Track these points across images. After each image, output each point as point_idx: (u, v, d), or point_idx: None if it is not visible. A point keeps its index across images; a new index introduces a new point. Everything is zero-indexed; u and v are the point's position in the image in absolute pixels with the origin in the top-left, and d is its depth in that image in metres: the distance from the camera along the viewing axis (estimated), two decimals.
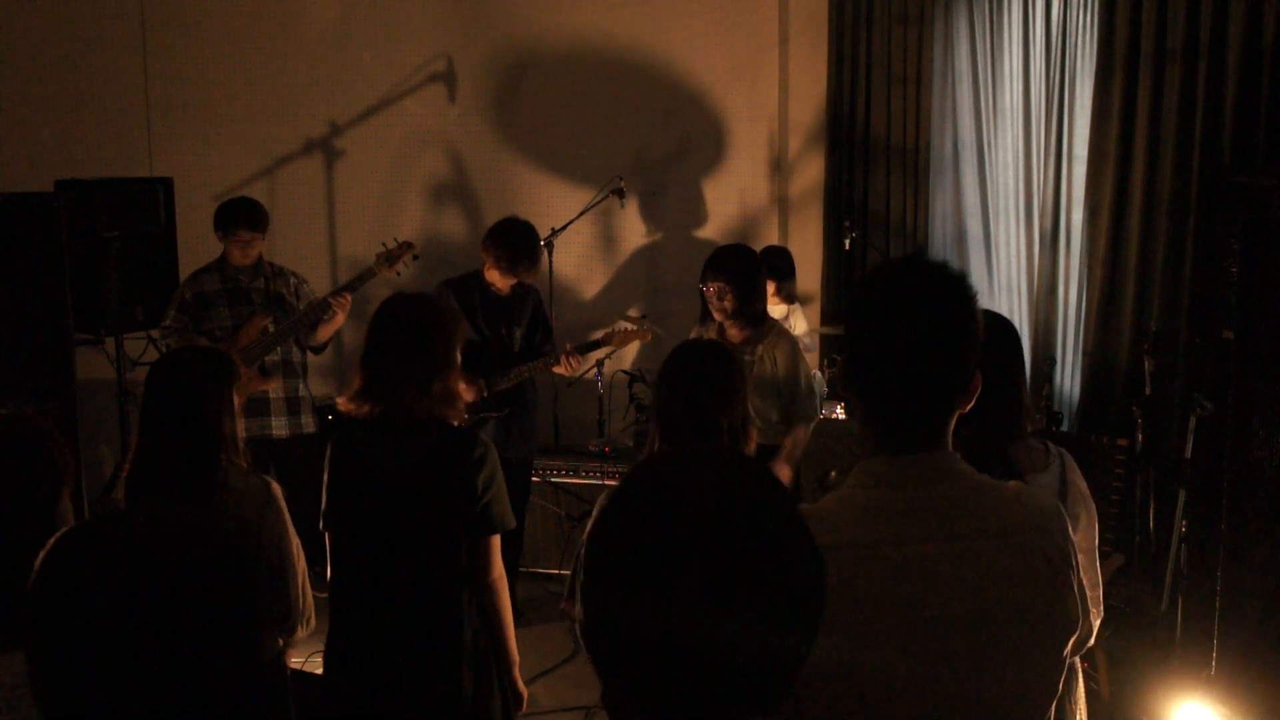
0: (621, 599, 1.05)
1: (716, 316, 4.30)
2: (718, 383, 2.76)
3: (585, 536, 2.76)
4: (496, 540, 2.90)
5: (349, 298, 4.89)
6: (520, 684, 3.00)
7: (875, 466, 1.58)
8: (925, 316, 1.55)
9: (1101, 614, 2.36)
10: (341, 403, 2.93)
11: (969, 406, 1.60)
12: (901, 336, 1.55)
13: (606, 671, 1.08)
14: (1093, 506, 2.30)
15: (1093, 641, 2.37)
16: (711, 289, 4.25)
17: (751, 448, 2.87)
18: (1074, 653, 1.81)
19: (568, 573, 5.51)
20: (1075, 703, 2.34)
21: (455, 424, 2.95)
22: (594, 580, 1.09)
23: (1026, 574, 1.53)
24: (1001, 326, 2.31)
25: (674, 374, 2.78)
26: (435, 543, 2.83)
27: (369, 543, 2.89)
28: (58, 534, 1.19)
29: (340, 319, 4.92)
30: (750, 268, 4.30)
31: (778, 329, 4.36)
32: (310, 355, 5.20)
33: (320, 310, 4.90)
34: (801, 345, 5.45)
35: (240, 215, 4.93)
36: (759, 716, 1.07)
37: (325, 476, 2.97)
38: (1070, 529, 1.62)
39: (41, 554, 1.17)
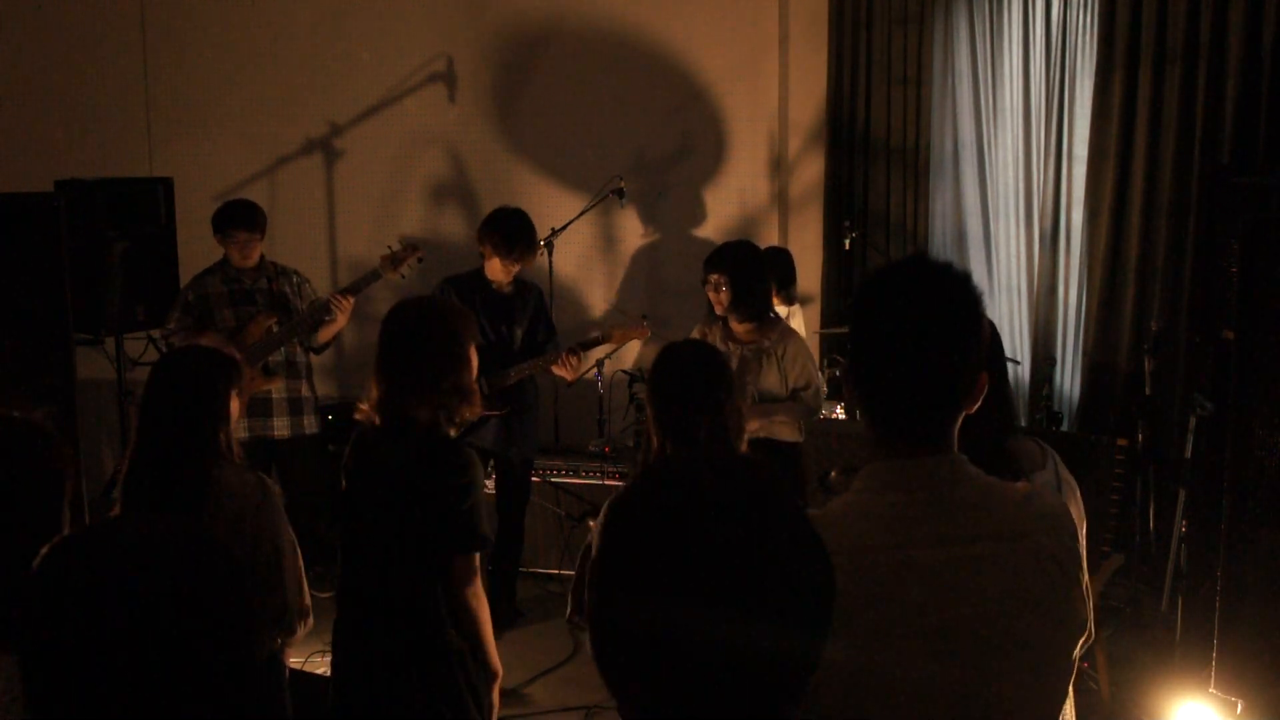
0: (632, 603, 1.05)
1: (717, 310, 4.33)
2: (713, 382, 2.76)
3: (593, 541, 2.75)
4: (473, 559, 2.85)
5: (350, 301, 4.88)
6: (496, 698, 2.96)
7: (882, 470, 1.57)
8: (931, 318, 1.54)
9: (1093, 635, 2.36)
10: (362, 412, 2.94)
11: (974, 408, 1.59)
12: (907, 338, 1.53)
13: (616, 677, 1.07)
14: (1081, 503, 2.32)
15: (1091, 639, 2.37)
16: (710, 281, 4.28)
17: (744, 446, 2.87)
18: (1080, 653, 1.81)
19: (568, 573, 5.52)
20: (1066, 707, 2.34)
21: (453, 429, 2.95)
22: (604, 585, 1.08)
23: (1037, 577, 1.52)
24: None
25: (667, 378, 2.78)
26: (415, 548, 2.82)
27: (364, 544, 2.91)
28: (50, 544, 1.19)
29: (341, 321, 4.92)
30: (748, 261, 4.32)
31: (784, 327, 4.38)
32: (313, 355, 5.20)
33: (321, 311, 4.90)
34: None
35: (235, 216, 4.93)
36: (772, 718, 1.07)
37: (343, 478, 3.00)
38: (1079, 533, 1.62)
39: (35, 563, 1.17)
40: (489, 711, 2.95)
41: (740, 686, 1.04)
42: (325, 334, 5.00)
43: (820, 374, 5.70)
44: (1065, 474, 2.32)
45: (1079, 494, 2.32)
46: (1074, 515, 2.24)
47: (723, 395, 2.75)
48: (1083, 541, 2.30)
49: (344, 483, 3.00)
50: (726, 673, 1.03)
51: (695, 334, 4.46)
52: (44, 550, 1.18)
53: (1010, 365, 5.46)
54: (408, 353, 2.87)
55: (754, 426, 4.13)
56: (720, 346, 4.24)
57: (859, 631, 1.45)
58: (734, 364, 4.20)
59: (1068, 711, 2.29)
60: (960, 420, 1.59)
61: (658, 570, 1.04)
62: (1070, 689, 2.34)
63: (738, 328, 4.33)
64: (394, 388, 2.85)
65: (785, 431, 4.31)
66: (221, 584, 1.18)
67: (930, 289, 1.56)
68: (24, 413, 1.97)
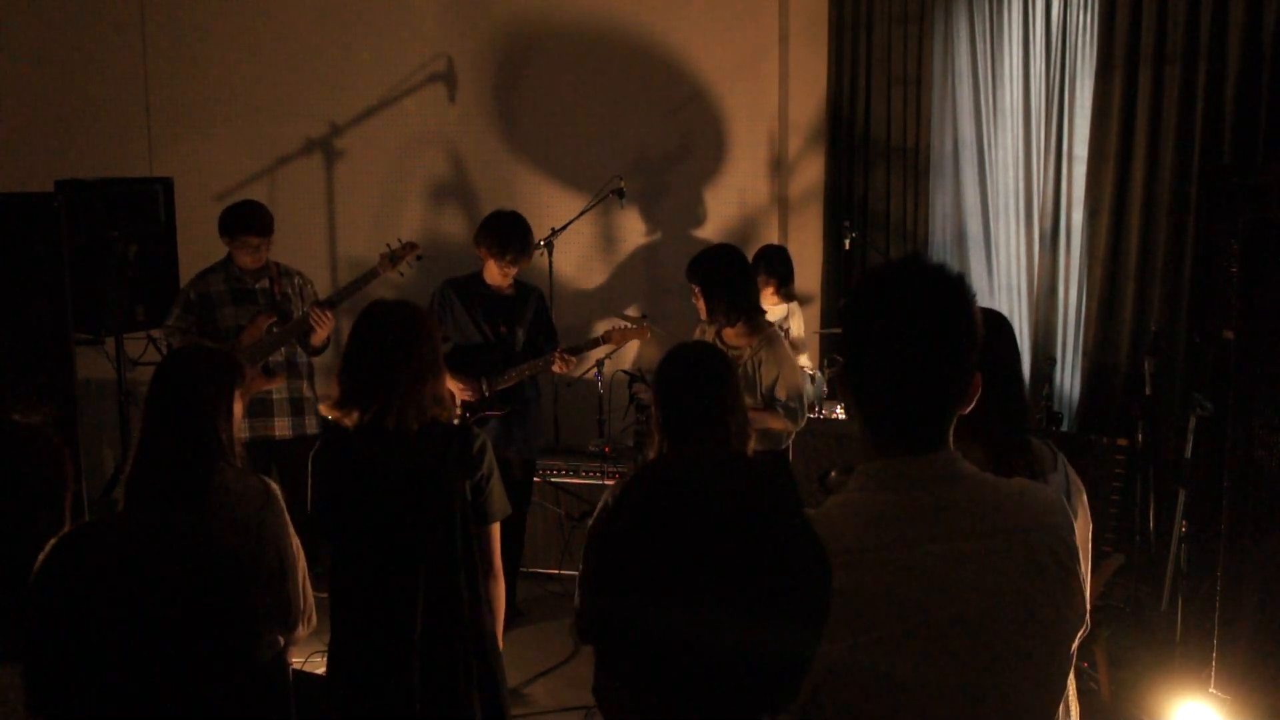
0: (627, 600, 1.05)
1: (701, 316, 4.35)
2: (719, 385, 2.76)
3: (589, 538, 2.75)
4: (497, 528, 3.00)
5: (329, 315, 4.85)
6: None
7: (877, 469, 1.57)
8: (924, 318, 1.54)
9: (1089, 626, 2.36)
10: (324, 409, 2.94)
11: (969, 408, 1.60)
12: (901, 339, 1.54)
13: (612, 671, 1.08)
14: (1087, 505, 2.32)
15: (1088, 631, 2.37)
16: (692, 289, 4.31)
17: (751, 447, 2.87)
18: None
19: (568, 573, 5.53)
20: (1069, 702, 2.34)
21: (455, 422, 2.97)
22: (600, 581, 1.09)
23: (1034, 572, 1.53)
24: (998, 322, 2.31)
25: (672, 380, 2.77)
26: (442, 539, 2.85)
27: (375, 546, 2.89)
28: (55, 538, 1.19)
29: (322, 334, 4.90)
30: (719, 267, 4.27)
31: (768, 334, 4.30)
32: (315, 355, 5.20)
33: (301, 323, 4.88)
34: (796, 347, 5.45)
35: (248, 221, 4.90)
36: (766, 717, 1.08)
37: (312, 483, 2.97)
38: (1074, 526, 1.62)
39: (40, 558, 1.17)
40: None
41: (735, 682, 1.04)
42: (315, 341, 4.99)
43: (815, 375, 5.72)
44: (1073, 475, 2.32)
45: (1085, 496, 2.32)
46: (1081, 517, 2.24)
47: (725, 398, 2.75)
48: (1089, 543, 2.30)
49: (322, 487, 2.95)
50: (721, 668, 1.04)
51: (695, 335, 4.46)
52: (49, 546, 1.18)
53: None
54: (385, 356, 2.84)
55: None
56: None
57: (858, 632, 1.45)
58: None
59: (1073, 708, 2.30)
60: (954, 420, 1.60)
61: (654, 565, 1.04)
62: (1073, 686, 2.35)
63: (727, 332, 4.32)
64: (368, 389, 2.84)
65: (762, 441, 4.19)
66: (224, 581, 1.18)
67: (923, 290, 1.56)
68: (25, 417, 1.96)
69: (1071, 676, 2.36)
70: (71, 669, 1.12)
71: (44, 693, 1.14)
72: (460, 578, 2.87)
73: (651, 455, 2.79)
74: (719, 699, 1.04)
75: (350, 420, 2.87)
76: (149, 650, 1.11)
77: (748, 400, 4.11)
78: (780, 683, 1.08)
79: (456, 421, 3.03)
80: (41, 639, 1.14)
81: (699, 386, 2.73)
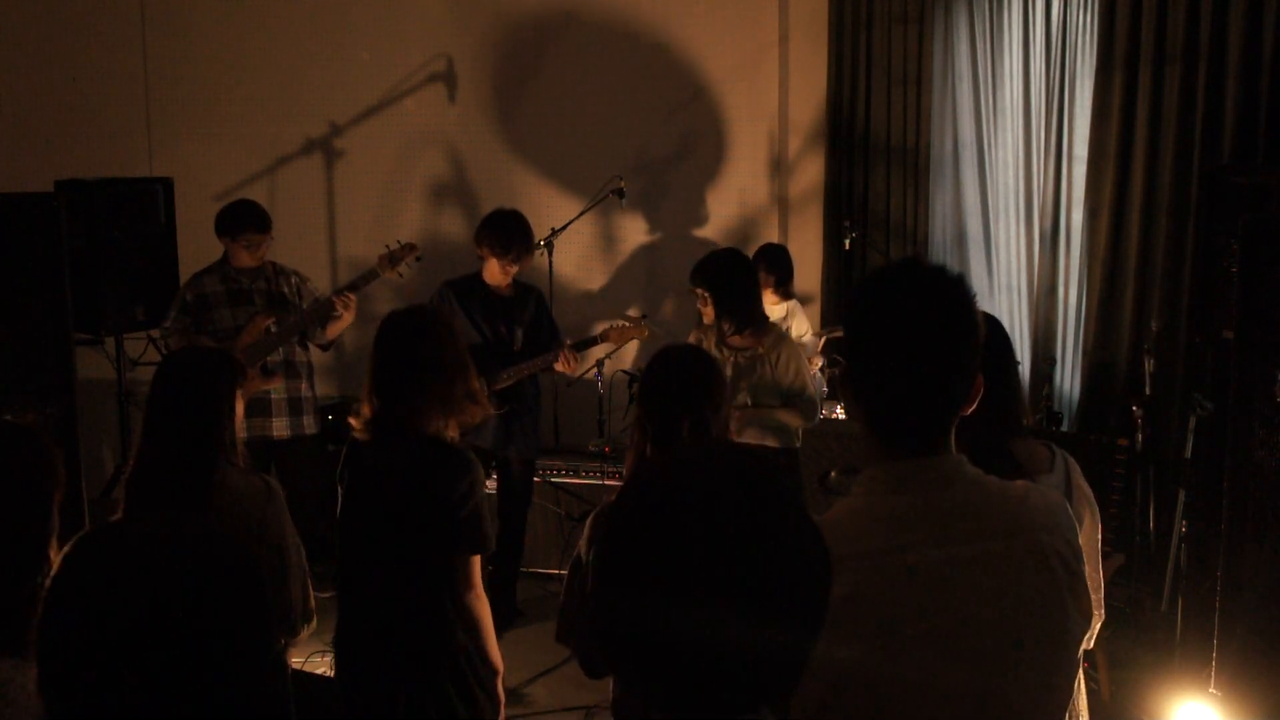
0: (631, 594, 1.06)
1: (706, 320, 4.37)
2: (703, 388, 2.76)
3: (581, 552, 2.74)
4: (475, 560, 2.90)
5: (353, 297, 4.89)
6: (501, 692, 3.02)
7: (880, 472, 1.57)
8: (925, 321, 1.54)
9: (1103, 616, 2.36)
10: (359, 430, 2.94)
11: (971, 409, 1.60)
12: (902, 342, 1.54)
13: (615, 666, 1.08)
14: (1096, 509, 2.31)
15: (1092, 644, 2.37)
16: (696, 294, 4.34)
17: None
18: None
19: (567, 573, 5.51)
20: (1078, 703, 2.34)
21: (455, 435, 2.96)
22: (604, 577, 1.09)
23: (1040, 574, 1.53)
24: (989, 324, 2.31)
25: (653, 380, 2.77)
26: (415, 549, 2.85)
27: (362, 545, 2.94)
28: (73, 540, 1.20)
29: (347, 319, 4.93)
30: (729, 272, 4.32)
31: (777, 333, 4.40)
32: (313, 355, 5.19)
33: (326, 309, 4.89)
34: (802, 346, 5.46)
35: (248, 218, 4.92)
36: (765, 710, 1.08)
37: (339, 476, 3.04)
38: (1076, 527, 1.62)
39: (58, 560, 1.18)
40: (498, 705, 3.00)
41: (734, 675, 1.05)
42: (333, 331, 5.01)
43: (815, 375, 5.73)
44: (1079, 481, 2.30)
45: (1094, 503, 2.30)
46: (1088, 523, 2.23)
47: (706, 401, 2.74)
48: (1098, 552, 2.30)
49: (340, 493, 3.01)
50: (720, 662, 1.04)
51: (690, 340, 4.47)
52: (67, 548, 1.19)
53: None
54: (419, 366, 2.86)
55: (749, 423, 4.19)
56: (714, 353, 4.26)
57: (867, 637, 1.46)
58: (728, 371, 4.21)
59: (1081, 708, 2.29)
60: (956, 422, 1.60)
61: (658, 559, 1.05)
62: (1081, 686, 2.35)
63: (733, 337, 4.34)
64: (402, 401, 2.85)
65: (776, 438, 4.31)
66: (242, 584, 1.18)
67: (924, 292, 1.56)
68: (15, 415, 1.96)
69: (1082, 681, 2.37)
70: (89, 670, 1.12)
71: (60, 693, 1.14)
72: (435, 591, 2.85)
73: (631, 457, 2.80)
74: (718, 691, 1.05)
75: (376, 433, 2.89)
76: (168, 652, 1.12)
77: (770, 400, 4.24)
78: (779, 675, 1.09)
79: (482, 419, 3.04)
80: (60, 640, 1.14)
81: (679, 387, 2.73)
